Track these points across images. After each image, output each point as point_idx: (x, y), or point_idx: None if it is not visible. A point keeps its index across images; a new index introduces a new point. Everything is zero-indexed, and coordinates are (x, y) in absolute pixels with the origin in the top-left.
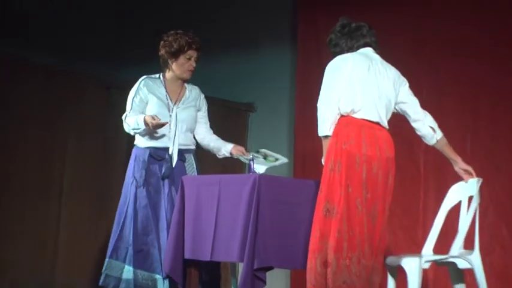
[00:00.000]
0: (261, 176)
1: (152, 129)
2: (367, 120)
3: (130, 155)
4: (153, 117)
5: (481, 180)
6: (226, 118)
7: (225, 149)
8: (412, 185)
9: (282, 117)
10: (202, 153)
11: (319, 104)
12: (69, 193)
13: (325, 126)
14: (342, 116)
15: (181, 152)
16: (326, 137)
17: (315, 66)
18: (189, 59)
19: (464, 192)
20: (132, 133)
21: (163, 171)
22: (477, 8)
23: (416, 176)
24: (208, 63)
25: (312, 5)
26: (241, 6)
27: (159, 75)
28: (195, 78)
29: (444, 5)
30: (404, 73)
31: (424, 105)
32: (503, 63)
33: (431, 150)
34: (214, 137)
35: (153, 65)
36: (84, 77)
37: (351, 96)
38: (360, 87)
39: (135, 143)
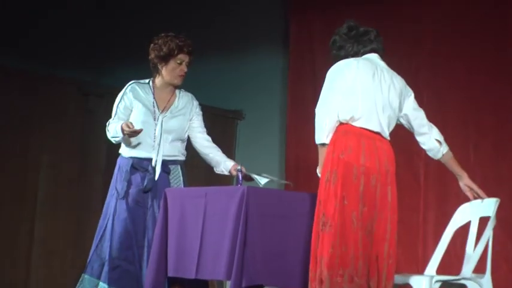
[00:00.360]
0: (250, 189)
1: (128, 138)
2: (367, 130)
3: (110, 165)
4: (127, 125)
5: (498, 200)
6: (212, 126)
7: (224, 166)
8: (411, 198)
9: (272, 125)
10: (185, 163)
11: (317, 109)
12: (43, 206)
13: (323, 133)
14: (340, 123)
15: (166, 163)
16: (323, 145)
17: (308, 70)
18: (180, 63)
19: (475, 213)
20: (113, 141)
21: (145, 183)
22: (478, 17)
23: (415, 188)
24: (192, 67)
25: (304, 5)
26: (229, 7)
27: (149, 81)
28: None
29: (444, 11)
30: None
31: (428, 115)
32: (506, 72)
33: (433, 160)
34: (215, 148)
35: (138, 71)
36: (61, 82)
37: (351, 103)
38: (363, 94)
39: (119, 151)
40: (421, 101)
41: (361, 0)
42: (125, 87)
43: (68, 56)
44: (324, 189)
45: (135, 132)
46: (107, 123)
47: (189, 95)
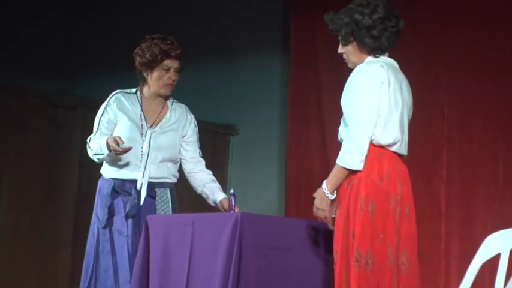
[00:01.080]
0: (245, 215)
1: (115, 156)
2: (399, 154)
3: (83, 188)
4: (115, 140)
5: None
6: (200, 143)
7: (213, 198)
8: (431, 225)
9: (270, 142)
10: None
11: (353, 127)
12: (2, 236)
13: (360, 157)
14: (372, 144)
15: (152, 186)
16: (354, 170)
17: (312, 78)
18: (167, 70)
19: (505, 244)
20: (96, 160)
21: (127, 209)
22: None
23: (436, 214)
24: (181, 77)
25: (306, 4)
26: (221, 9)
27: (136, 90)
28: None
29: (463, 19)
30: (420, 91)
31: (450, 128)
32: None
33: (456, 181)
34: (205, 175)
35: (118, 81)
36: (24, 92)
37: (392, 127)
38: (396, 114)
39: (100, 171)
40: (442, 114)
41: None
42: (109, 97)
43: (34, 63)
44: (357, 219)
45: (125, 151)
46: (88, 140)
47: (183, 106)
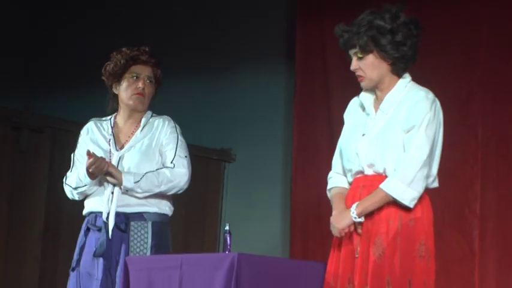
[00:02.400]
0: (242, 256)
1: (96, 185)
2: None
3: (51, 226)
4: (88, 153)
5: None
6: (192, 169)
7: None
8: (463, 268)
9: (272, 168)
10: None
11: (425, 156)
12: None
13: (417, 195)
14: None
15: (125, 217)
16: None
17: (321, 95)
18: (137, 78)
19: None
20: (76, 197)
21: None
22: None
23: (468, 254)
24: (166, 93)
25: (316, 11)
26: (214, 15)
27: (111, 117)
28: None
29: (497, 31)
30: (448, 111)
31: (484, 154)
32: None
33: (491, 217)
34: None
35: (93, 100)
36: None
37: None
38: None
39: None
40: (475, 138)
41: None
42: (83, 128)
43: None
44: (419, 268)
45: (98, 163)
46: (64, 179)
47: (163, 117)
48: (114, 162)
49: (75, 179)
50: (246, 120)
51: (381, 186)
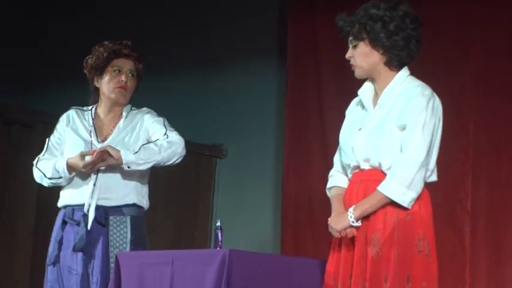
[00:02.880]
0: (234, 253)
1: (71, 172)
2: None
3: (42, 218)
4: (81, 156)
5: None
6: (181, 167)
7: None
8: (454, 265)
9: (264, 164)
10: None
11: (423, 157)
12: None
13: (416, 195)
14: None
15: (106, 211)
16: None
17: (313, 90)
18: (118, 71)
19: None
20: (46, 184)
21: (75, 240)
22: None
23: (459, 251)
24: (156, 88)
25: (308, 8)
26: (207, 13)
27: (93, 107)
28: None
29: (490, 25)
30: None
31: (476, 151)
32: None
33: (483, 214)
34: None
35: (84, 95)
36: None
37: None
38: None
39: (58, 204)
40: (466, 134)
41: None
42: (63, 115)
43: None
44: (419, 263)
45: (97, 161)
46: (35, 162)
47: (143, 110)
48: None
49: (51, 169)
50: (237, 116)
51: (379, 188)
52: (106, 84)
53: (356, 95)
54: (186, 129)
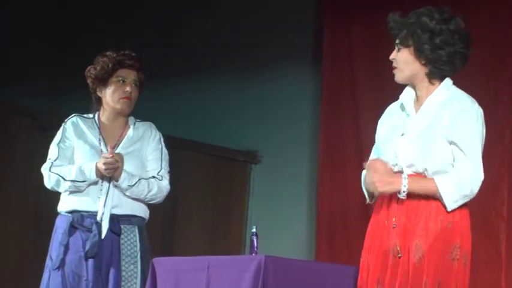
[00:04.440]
0: (269, 259)
1: (100, 175)
2: None
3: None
4: (105, 157)
5: None
6: (216, 172)
7: None
8: (489, 272)
9: (299, 169)
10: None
11: (482, 178)
12: None
13: (461, 202)
14: None
15: (117, 220)
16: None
17: (348, 97)
18: (122, 81)
19: None
20: (63, 188)
21: (87, 247)
22: None
23: (495, 258)
24: (189, 94)
25: (342, 10)
26: (239, 15)
27: (94, 115)
28: (166, 116)
29: None
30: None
31: None
32: None
33: None
34: None
35: None
36: (9, 111)
37: None
38: None
39: (58, 209)
40: (502, 139)
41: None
42: (65, 121)
43: (21, 78)
44: (451, 271)
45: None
46: (48, 165)
47: (147, 123)
48: None
49: (75, 171)
50: (273, 123)
51: (438, 184)
52: (111, 95)
53: (391, 102)
54: (221, 135)
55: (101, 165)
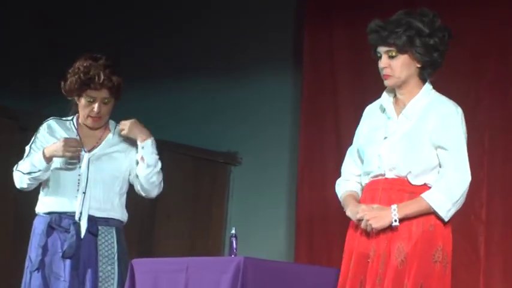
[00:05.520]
0: (248, 260)
1: (49, 172)
2: None
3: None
4: (69, 141)
5: None
6: (196, 173)
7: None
8: (468, 274)
9: (278, 172)
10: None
11: (469, 179)
12: None
13: (454, 212)
14: None
15: (94, 221)
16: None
17: (329, 97)
18: (91, 101)
19: None
20: (26, 185)
21: (64, 247)
22: None
23: (473, 260)
24: (169, 95)
25: (325, 11)
26: (220, 14)
27: (72, 117)
28: (146, 118)
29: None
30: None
31: (491, 159)
32: None
33: (497, 224)
34: None
35: None
36: None
37: None
38: None
39: (35, 210)
40: (481, 143)
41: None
42: (41, 124)
43: (1, 78)
44: (434, 273)
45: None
46: (14, 168)
47: None
48: (84, 163)
49: (28, 165)
50: (253, 125)
51: (427, 200)
52: (81, 109)
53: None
54: (201, 137)
55: (56, 147)
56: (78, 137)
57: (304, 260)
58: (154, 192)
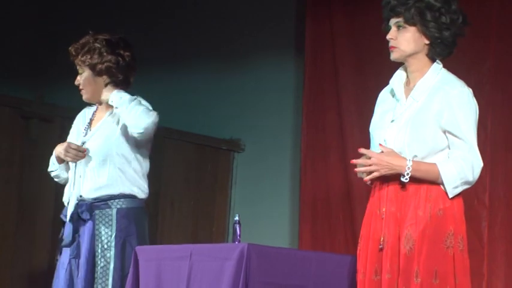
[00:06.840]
0: (252, 247)
1: (66, 171)
2: None
3: (59, 214)
4: (71, 145)
5: None
6: (199, 161)
7: None
8: (471, 260)
9: (281, 158)
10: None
11: (477, 154)
12: None
13: (462, 189)
14: None
15: (89, 206)
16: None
17: (330, 84)
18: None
19: None
20: (56, 180)
21: (61, 236)
22: None
23: (477, 246)
24: (172, 83)
25: (325, 1)
26: (223, 3)
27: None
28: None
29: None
30: None
31: (493, 145)
32: None
33: (500, 208)
34: None
35: None
36: None
37: None
38: None
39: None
40: (484, 128)
41: None
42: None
43: (3, 67)
44: (447, 259)
45: (79, 151)
46: None
47: None
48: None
49: (50, 163)
50: (255, 111)
51: (440, 168)
52: None
53: (374, 91)
54: (204, 124)
55: (59, 150)
56: (86, 128)
57: (308, 245)
58: (139, 126)
